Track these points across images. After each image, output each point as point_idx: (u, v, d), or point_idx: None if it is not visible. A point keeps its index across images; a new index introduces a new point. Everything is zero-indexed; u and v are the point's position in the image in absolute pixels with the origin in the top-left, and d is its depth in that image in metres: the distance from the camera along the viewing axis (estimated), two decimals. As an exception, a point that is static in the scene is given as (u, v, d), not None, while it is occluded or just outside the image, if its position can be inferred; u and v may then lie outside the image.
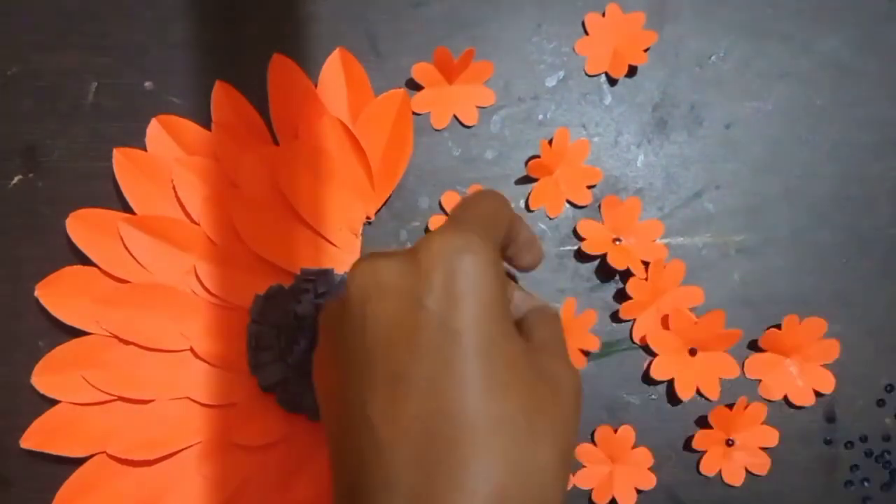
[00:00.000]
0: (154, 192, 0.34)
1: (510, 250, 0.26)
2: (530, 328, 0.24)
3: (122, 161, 0.34)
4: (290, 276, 0.33)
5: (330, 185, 0.34)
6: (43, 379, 0.33)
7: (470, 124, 0.35)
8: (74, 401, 0.32)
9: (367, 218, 0.34)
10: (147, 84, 0.35)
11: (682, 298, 0.34)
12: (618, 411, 0.35)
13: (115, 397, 0.32)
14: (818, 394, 0.34)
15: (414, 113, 0.35)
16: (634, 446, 0.34)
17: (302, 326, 0.33)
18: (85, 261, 0.33)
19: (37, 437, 0.32)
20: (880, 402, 0.35)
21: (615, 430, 0.34)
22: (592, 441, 0.34)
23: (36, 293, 0.33)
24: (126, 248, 0.33)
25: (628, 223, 0.34)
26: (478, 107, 0.35)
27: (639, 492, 0.33)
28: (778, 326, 0.34)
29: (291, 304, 0.33)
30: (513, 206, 0.34)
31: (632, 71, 0.36)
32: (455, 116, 0.35)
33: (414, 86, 0.35)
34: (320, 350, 0.24)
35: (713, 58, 0.36)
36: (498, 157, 0.35)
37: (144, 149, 0.34)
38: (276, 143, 0.34)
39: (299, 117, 0.34)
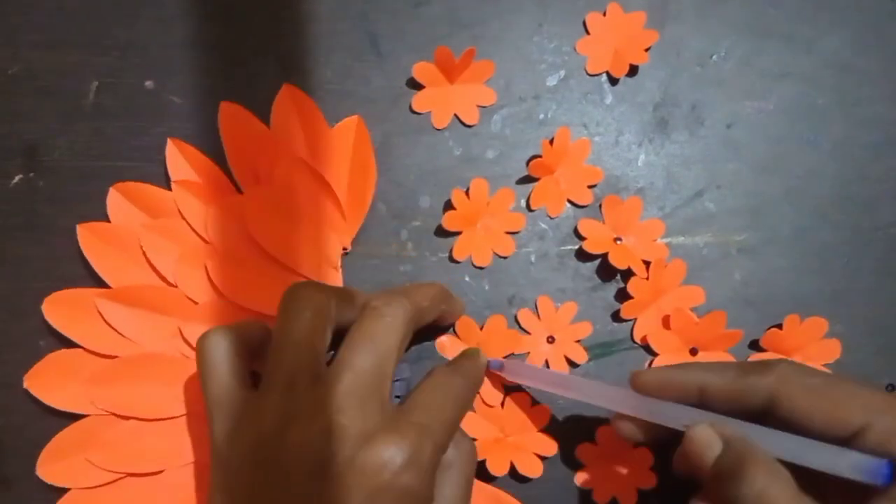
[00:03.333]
0: (125, 262, 0.33)
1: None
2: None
3: (88, 236, 0.33)
4: None
5: (300, 224, 0.33)
6: (48, 469, 0.32)
7: (471, 123, 0.35)
8: (83, 485, 0.32)
9: (344, 249, 0.34)
10: (147, 83, 0.35)
11: (683, 298, 0.34)
12: (619, 411, 0.35)
13: (124, 474, 0.32)
14: (819, 394, 0.34)
15: (415, 112, 0.35)
16: (636, 446, 0.34)
17: None
18: (67, 343, 0.33)
19: None
20: (882, 402, 0.35)
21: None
22: (594, 441, 0.34)
23: (24, 385, 0.32)
24: (107, 324, 0.32)
25: (629, 223, 0.34)
26: (479, 106, 0.35)
27: (640, 492, 0.33)
28: (779, 326, 0.34)
29: None
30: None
31: (633, 70, 0.36)
32: (456, 116, 0.35)
33: (415, 85, 0.35)
34: None
35: (714, 57, 0.36)
36: (499, 156, 0.35)
37: (145, 146, 0.34)
38: (239, 191, 0.34)
39: (257, 162, 0.33)
